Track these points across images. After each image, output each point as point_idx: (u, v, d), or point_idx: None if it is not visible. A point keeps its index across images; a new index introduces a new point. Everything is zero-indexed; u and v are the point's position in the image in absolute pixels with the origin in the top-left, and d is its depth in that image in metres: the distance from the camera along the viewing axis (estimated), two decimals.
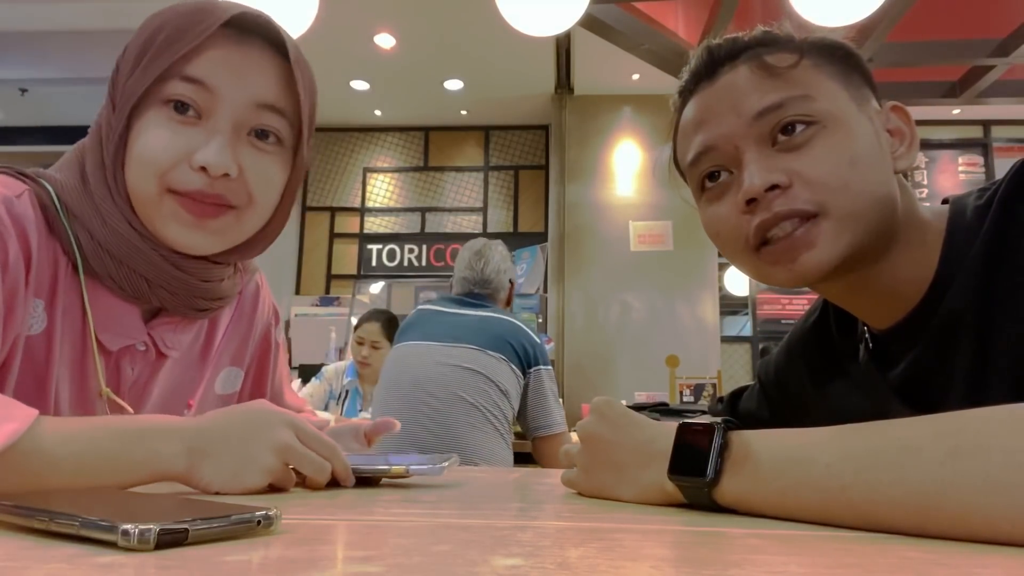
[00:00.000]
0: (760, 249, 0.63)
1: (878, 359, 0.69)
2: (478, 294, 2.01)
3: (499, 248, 2.08)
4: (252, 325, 0.86)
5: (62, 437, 0.51)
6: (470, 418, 1.77)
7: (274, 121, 0.68)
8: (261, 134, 0.68)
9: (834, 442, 0.44)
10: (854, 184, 0.60)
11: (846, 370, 0.73)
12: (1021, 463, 0.36)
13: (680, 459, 0.50)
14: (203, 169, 0.64)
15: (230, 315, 0.83)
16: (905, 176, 0.67)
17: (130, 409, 0.71)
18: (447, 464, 0.67)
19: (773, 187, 0.61)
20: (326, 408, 3.04)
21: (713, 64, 0.67)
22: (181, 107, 0.65)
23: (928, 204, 0.67)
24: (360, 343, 2.99)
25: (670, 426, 0.53)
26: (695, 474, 0.48)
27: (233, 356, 0.84)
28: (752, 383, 0.90)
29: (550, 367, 1.96)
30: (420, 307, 2.05)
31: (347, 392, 3.02)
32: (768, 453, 0.47)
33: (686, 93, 0.70)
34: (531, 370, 1.90)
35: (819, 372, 0.76)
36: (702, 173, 0.68)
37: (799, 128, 0.62)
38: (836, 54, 0.66)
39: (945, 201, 0.67)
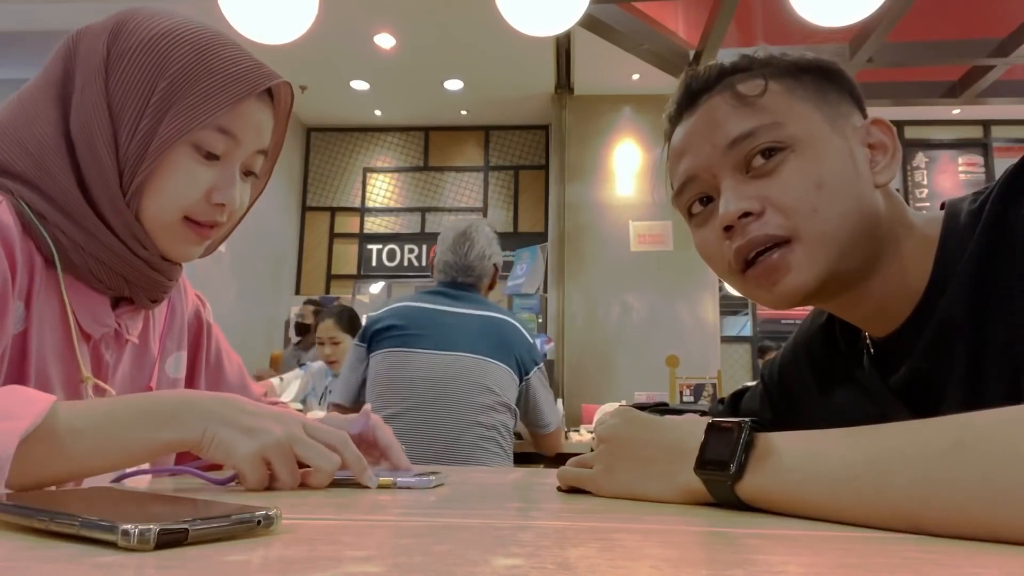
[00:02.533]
0: (746, 271, 0.65)
1: (880, 365, 0.69)
2: (462, 283, 1.92)
3: (485, 229, 1.99)
4: (184, 310, 0.91)
5: (80, 413, 0.55)
6: (476, 437, 1.73)
7: (261, 161, 0.80)
8: (251, 173, 0.79)
9: (850, 439, 0.46)
10: (823, 207, 0.62)
11: (851, 374, 0.73)
12: (1020, 457, 0.37)
13: (707, 454, 0.52)
14: (220, 204, 0.74)
15: (167, 304, 0.88)
16: (902, 189, 0.67)
17: (113, 392, 0.76)
18: (434, 478, 0.67)
19: (746, 214, 0.63)
20: (304, 402, 3.05)
21: (691, 94, 0.70)
22: (209, 154, 0.73)
23: (928, 205, 0.68)
24: (321, 344, 3.03)
25: (699, 425, 0.55)
26: (720, 469, 0.50)
27: (177, 341, 0.89)
28: (753, 384, 0.91)
29: (541, 364, 1.93)
30: (406, 303, 1.90)
31: (328, 391, 3.04)
32: (789, 450, 0.48)
33: (673, 121, 0.73)
34: (527, 376, 1.88)
35: (824, 375, 0.77)
36: (687, 201, 0.71)
37: (770, 154, 0.63)
38: (809, 74, 0.67)
39: (943, 206, 0.67)
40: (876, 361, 0.70)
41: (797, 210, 0.62)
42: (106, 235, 0.70)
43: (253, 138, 0.76)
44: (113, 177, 0.70)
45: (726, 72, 0.68)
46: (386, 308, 1.90)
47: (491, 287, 2.02)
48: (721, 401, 0.93)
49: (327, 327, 3.01)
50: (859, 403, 0.71)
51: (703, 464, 0.52)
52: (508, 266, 5.05)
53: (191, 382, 0.92)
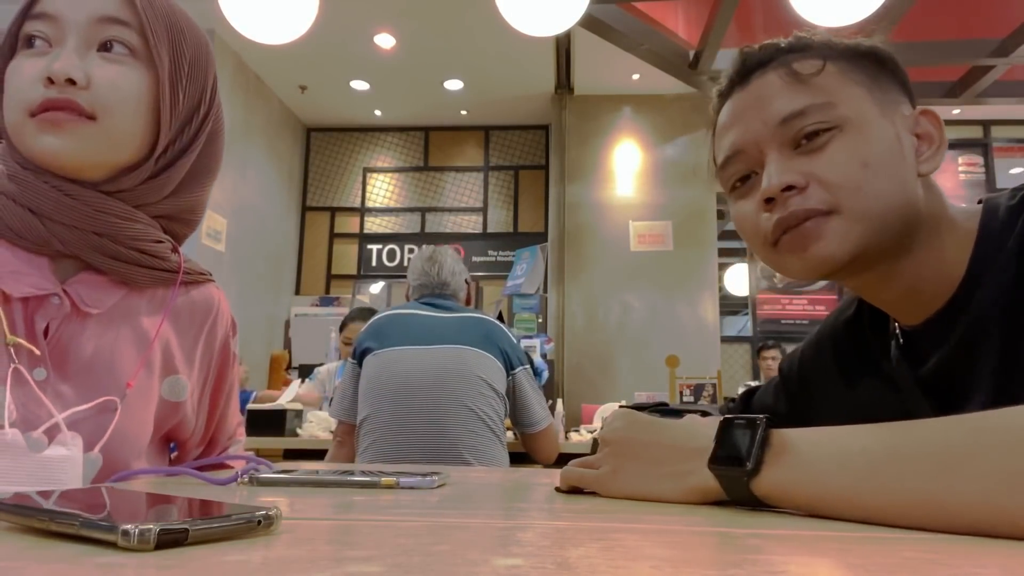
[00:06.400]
0: (778, 243, 0.66)
1: (908, 356, 0.69)
2: (441, 294, 1.98)
3: (450, 251, 2.06)
4: (204, 336, 0.85)
5: None
6: (468, 424, 1.74)
7: (120, 32, 0.72)
8: (108, 46, 0.72)
9: (870, 432, 0.46)
10: (867, 185, 0.62)
11: (877, 365, 0.73)
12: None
13: (722, 450, 0.51)
14: (50, 82, 0.68)
15: (162, 315, 0.80)
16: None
17: (36, 351, 0.69)
18: (437, 478, 0.67)
19: (789, 187, 0.64)
20: (320, 409, 3.07)
21: (746, 70, 0.70)
22: (31, 42, 0.71)
23: (963, 205, 0.68)
24: (347, 343, 3.03)
25: (710, 424, 0.55)
26: (736, 464, 0.50)
27: (180, 364, 0.82)
28: (759, 384, 0.91)
29: (527, 365, 1.94)
30: (390, 312, 1.95)
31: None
32: (807, 445, 0.48)
33: (723, 96, 0.73)
34: (512, 372, 1.88)
35: (849, 365, 0.77)
36: (731, 175, 0.71)
37: (819, 133, 0.64)
38: (865, 60, 0.68)
39: (981, 201, 0.68)
40: (905, 352, 0.70)
41: (842, 186, 0.63)
42: (10, 164, 0.69)
43: (74, 8, 0.70)
44: None
45: (782, 51, 0.69)
46: (369, 322, 1.95)
47: (468, 301, 2.07)
48: (731, 400, 0.93)
49: (357, 328, 3.05)
50: (882, 394, 0.71)
51: (717, 460, 0.51)
52: (508, 266, 5.06)
53: (211, 414, 0.87)
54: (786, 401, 0.85)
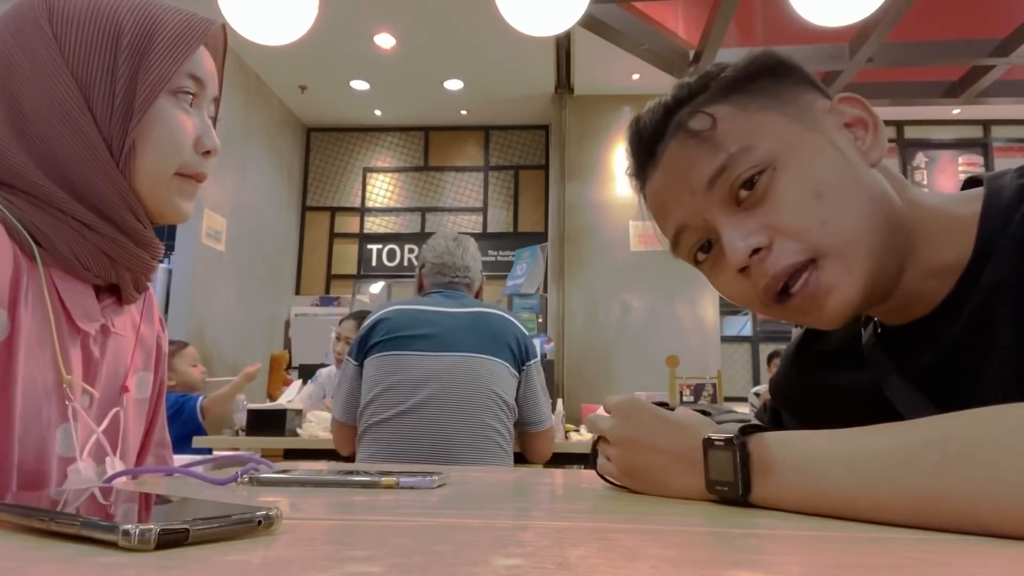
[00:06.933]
0: (785, 303, 0.61)
1: (892, 352, 0.65)
2: (457, 283, 1.90)
3: (472, 240, 2.00)
4: (155, 329, 0.87)
5: None
6: (475, 440, 1.70)
7: (213, 109, 0.79)
8: (213, 123, 0.79)
9: (840, 451, 0.48)
10: (830, 216, 0.57)
11: (847, 355, 0.70)
12: (1003, 471, 0.39)
13: (711, 475, 0.54)
14: (207, 152, 0.74)
15: (139, 314, 0.82)
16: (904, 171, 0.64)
17: (95, 392, 0.72)
18: (437, 478, 0.67)
19: (756, 250, 0.59)
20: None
21: (646, 146, 0.67)
22: (176, 93, 0.72)
23: (955, 192, 0.64)
24: (338, 339, 3.18)
25: (704, 432, 0.56)
26: (728, 484, 0.53)
27: (144, 360, 0.83)
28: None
29: (539, 358, 1.89)
30: (398, 307, 1.85)
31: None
32: (786, 464, 0.50)
33: (638, 177, 0.70)
34: (524, 367, 1.84)
35: (817, 367, 0.74)
36: (688, 250, 0.67)
37: (754, 179, 0.59)
38: (756, 80, 0.63)
39: (968, 183, 0.63)
40: (887, 347, 0.66)
41: (806, 229, 0.57)
42: (84, 214, 0.67)
43: (212, 83, 0.76)
44: (101, 146, 0.67)
45: (671, 110, 0.65)
46: (374, 316, 1.85)
47: (479, 294, 2.01)
48: (765, 407, 0.88)
49: (349, 327, 3.12)
50: (856, 379, 0.67)
51: (711, 485, 0.54)
52: (508, 266, 5.06)
53: (151, 408, 0.87)
54: (795, 421, 0.80)
